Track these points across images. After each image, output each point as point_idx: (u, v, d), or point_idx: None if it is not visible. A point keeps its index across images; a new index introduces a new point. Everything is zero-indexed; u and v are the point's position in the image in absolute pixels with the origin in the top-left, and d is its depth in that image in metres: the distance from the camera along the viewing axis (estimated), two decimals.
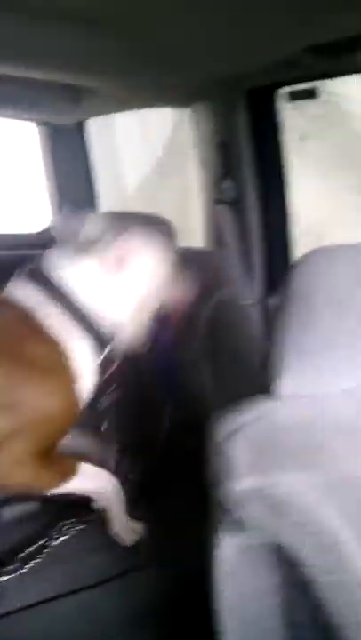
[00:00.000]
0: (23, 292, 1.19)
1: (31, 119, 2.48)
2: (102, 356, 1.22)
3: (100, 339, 1.21)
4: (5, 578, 1.11)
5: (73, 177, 2.63)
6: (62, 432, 1.17)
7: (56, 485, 1.16)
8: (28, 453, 1.09)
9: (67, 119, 2.41)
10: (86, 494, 1.23)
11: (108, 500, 1.24)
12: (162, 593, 1.10)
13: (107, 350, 1.23)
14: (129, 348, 1.31)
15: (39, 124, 2.51)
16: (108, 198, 2.81)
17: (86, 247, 1.22)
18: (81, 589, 1.10)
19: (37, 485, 1.15)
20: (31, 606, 1.06)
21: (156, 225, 1.90)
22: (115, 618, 1.04)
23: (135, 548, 1.21)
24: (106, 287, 1.21)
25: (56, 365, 1.14)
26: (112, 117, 2.89)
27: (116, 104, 2.10)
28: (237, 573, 0.84)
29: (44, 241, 2.64)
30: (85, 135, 2.58)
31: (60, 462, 1.18)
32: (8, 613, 1.04)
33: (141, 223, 1.88)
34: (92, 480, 1.22)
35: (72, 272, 1.22)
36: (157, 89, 1.91)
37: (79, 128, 2.55)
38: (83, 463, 1.22)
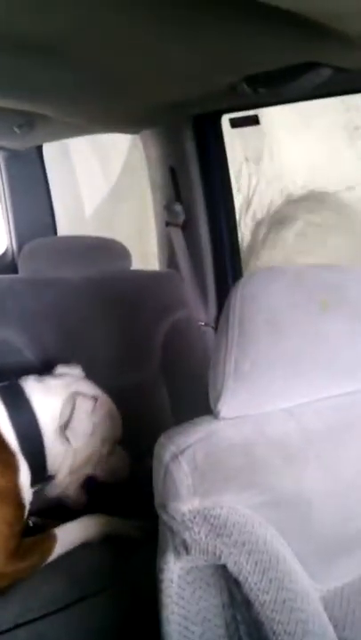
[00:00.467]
0: None
1: None
2: (37, 487, 1.27)
3: (40, 471, 1.26)
4: None
5: (30, 201, 2.64)
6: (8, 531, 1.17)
7: (37, 566, 1.19)
8: None
9: (21, 144, 2.42)
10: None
11: (102, 533, 1.30)
12: (115, 620, 1.10)
13: (43, 485, 1.29)
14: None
15: None
16: (66, 222, 2.82)
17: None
18: (36, 619, 1.09)
19: (16, 576, 1.16)
20: None
21: (110, 249, 1.92)
22: None
23: (89, 574, 1.21)
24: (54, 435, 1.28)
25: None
26: (67, 142, 2.91)
27: (68, 130, 2.13)
28: (182, 597, 0.85)
29: (1, 265, 2.65)
30: (42, 160, 2.60)
31: (31, 547, 1.20)
32: None
33: (97, 247, 1.92)
34: (76, 535, 1.27)
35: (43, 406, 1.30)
36: (107, 116, 1.94)
37: (36, 153, 2.57)
38: (59, 528, 1.26)
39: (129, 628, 1.09)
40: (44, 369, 1.63)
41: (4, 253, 2.75)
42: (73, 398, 1.30)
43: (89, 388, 1.40)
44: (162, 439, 0.90)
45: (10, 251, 2.75)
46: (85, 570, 1.23)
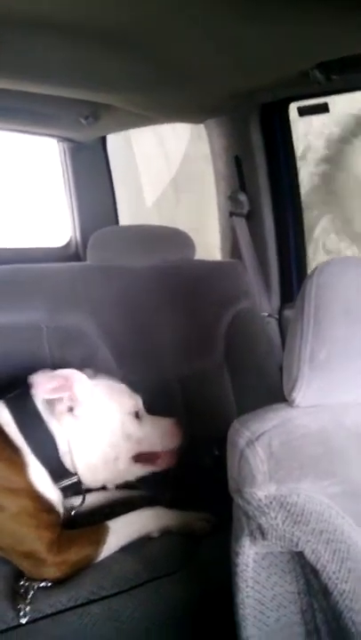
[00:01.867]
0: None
1: (52, 135, 2.54)
2: (64, 484, 1.27)
3: (57, 468, 1.26)
4: (41, 584, 1.14)
5: (94, 192, 2.69)
6: (41, 526, 1.20)
7: (89, 557, 1.22)
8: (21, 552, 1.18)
9: (86, 135, 2.46)
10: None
11: (160, 527, 1.31)
12: (187, 601, 1.12)
13: (67, 481, 1.27)
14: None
15: (60, 140, 2.58)
16: (127, 213, 2.86)
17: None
18: (109, 596, 1.13)
19: (67, 567, 1.19)
20: (60, 612, 1.09)
21: (175, 238, 1.94)
22: (140, 625, 1.06)
23: (159, 556, 1.24)
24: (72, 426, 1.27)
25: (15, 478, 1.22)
26: (130, 133, 2.94)
27: (133, 120, 2.15)
28: (258, 581, 0.86)
29: (65, 254, 2.71)
30: (106, 151, 2.64)
31: (79, 539, 1.23)
32: (38, 619, 1.07)
33: (162, 237, 1.94)
34: (132, 528, 1.29)
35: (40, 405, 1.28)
36: (173, 105, 1.95)
37: (99, 144, 2.61)
38: (114, 520, 1.28)
39: (199, 610, 1.10)
40: (114, 354, 1.67)
41: (68, 243, 2.81)
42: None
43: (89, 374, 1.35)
44: (236, 425, 0.90)
45: (73, 241, 2.80)
46: (155, 552, 1.25)
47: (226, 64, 1.52)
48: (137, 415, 1.36)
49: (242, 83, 1.68)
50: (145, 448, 1.36)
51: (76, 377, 1.26)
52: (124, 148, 2.96)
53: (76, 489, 1.29)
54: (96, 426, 1.29)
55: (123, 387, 1.39)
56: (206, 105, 1.91)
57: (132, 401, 1.36)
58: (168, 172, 2.94)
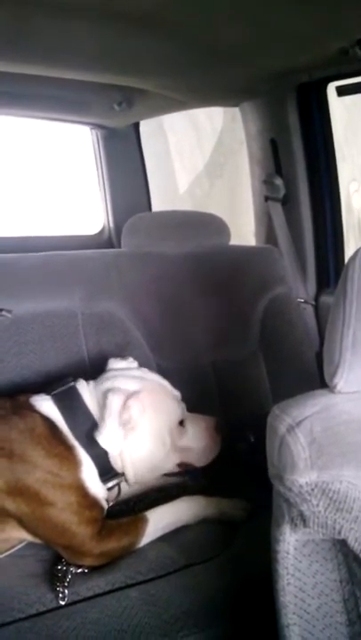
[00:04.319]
0: (47, 405, 1.28)
1: (85, 122, 2.54)
2: (112, 483, 1.27)
3: (106, 467, 1.26)
4: (79, 570, 1.16)
5: (127, 179, 2.68)
6: (84, 522, 1.21)
7: (128, 547, 1.23)
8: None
9: (119, 122, 2.45)
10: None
11: (198, 516, 1.31)
12: (224, 587, 1.11)
13: (115, 480, 1.27)
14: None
15: (93, 127, 2.57)
16: (160, 199, 2.84)
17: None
18: (146, 581, 1.13)
19: (107, 556, 1.22)
20: (98, 595, 1.09)
21: (210, 224, 1.92)
22: (178, 610, 1.05)
23: (195, 542, 1.23)
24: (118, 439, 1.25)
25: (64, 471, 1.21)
26: (162, 119, 2.92)
27: (167, 105, 2.13)
28: (299, 568, 0.85)
29: (99, 242, 2.72)
30: (139, 137, 2.63)
31: (119, 529, 1.24)
32: (77, 602, 1.08)
33: (197, 222, 1.92)
34: (170, 518, 1.29)
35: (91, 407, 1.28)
36: (207, 88, 1.93)
37: (132, 131, 2.59)
38: (152, 511, 1.29)
39: (237, 597, 1.10)
40: (148, 341, 1.66)
41: (101, 231, 2.81)
42: (102, 394, 1.27)
43: (127, 381, 1.32)
44: (276, 411, 0.88)
45: (106, 228, 2.81)
46: (191, 539, 1.25)
47: (261, 44, 1.49)
48: (182, 423, 1.35)
49: (278, 63, 1.64)
50: (190, 460, 1.37)
51: (134, 405, 1.25)
52: (156, 134, 2.94)
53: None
54: (146, 436, 1.29)
55: (167, 389, 1.37)
56: (241, 87, 1.88)
57: (178, 409, 1.35)
58: (202, 157, 2.91)
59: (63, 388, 1.31)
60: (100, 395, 1.28)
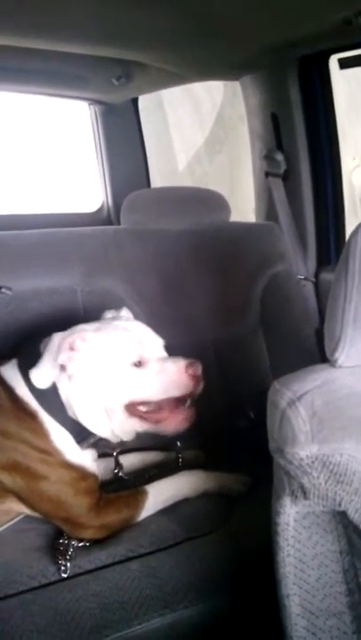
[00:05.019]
0: (11, 370, 1.24)
1: (83, 98, 2.51)
2: (87, 443, 1.23)
3: (75, 428, 1.21)
4: (80, 544, 1.17)
5: (125, 156, 2.65)
6: (80, 493, 1.20)
7: (128, 520, 1.23)
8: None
9: (118, 97, 2.42)
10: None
11: (198, 490, 1.30)
12: (224, 560, 1.13)
13: (90, 438, 1.23)
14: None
15: (91, 102, 2.54)
16: (159, 176, 2.82)
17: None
18: (147, 554, 1.14)
19: (105, 528, 1.21)
20: (100, 568, 1.11)
21: (210, 200, 1.90)
22: (179, 582, 1.07)
23: (195, 516, 1.25)
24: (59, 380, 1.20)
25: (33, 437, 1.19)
26: (161, 94, 2.88)
27: (166, 79, 2.09)
28: (299, 540, 0.85)
29: (98, 219, 2.70)
30: (137, 113, 2.59)
31: (117, 502, 1.24)
32: (79, 574, 1.09)
33: (197, 199, 1.90)
34: (170, 492, 1.28)
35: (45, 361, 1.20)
36: (207, 61, 1.89)
37: (131, 106, 2.56)
38: (152, 484, 1.28)
39: (237, 569, 1.11)
40: (148, 317, 1.66)
41: (100, 208, 2.79)
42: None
43: (88, 326, 1.25)
44: (277, 385, 0.88)
45: (105, 206, 2.78)
46: (191, 512, 1.26)
47: (262, 15, 1.46)
48: (139, 364, 1.23)
49: (279, 35, 1.61)
50: (142, 396, 1.23)
51: (68, 344, 1.19)
52: (155, 110, 2.91)
53: (100, 447, 1.27)
54: (85, 377, 1.20)
55: (137, 330, 1.28)
56: (242, 60, 1.85)
57: (133, 349, 1.23)
58: (201, 133, 2.88)
59: (30, 347, 1.26)
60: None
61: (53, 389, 1.19)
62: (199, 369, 1.25)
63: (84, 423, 1.22)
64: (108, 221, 2.73)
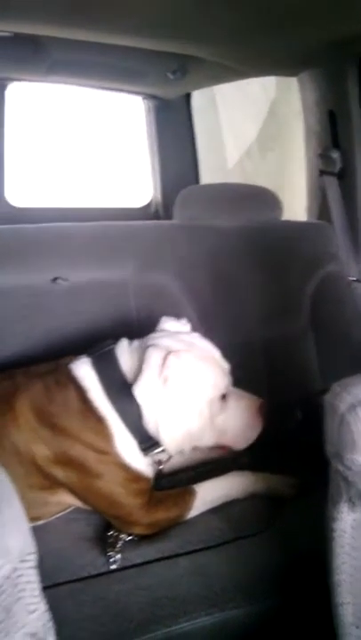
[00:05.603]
0: (84, 370, 1.23)
1: (138, 92, 2.51)
2: (152, 454, 1.23)
3: (142, 435, 1.21)
4: (129, 537, 1.18)
5: (176, 152, 2.65)
6: (131, 494, 1.21)
7: (176, 518, 1.24)
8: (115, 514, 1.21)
9: (173, 92, 2.42)
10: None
11: (247, 492, 1.30)
12: (272, 562, 1.12)
13: (155, 451, 1.22)
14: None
15: (145, 97, 2.54)
16: (209, 172, 2.80)
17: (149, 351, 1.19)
18: (195, 551, 1.15)
19: (155, 526, 1.22)
20: (148, 562, 1.12)
21: (263, 198, 1.88)
22: (227, 581, 1.06)
23: (243, 516, 1.24)
24: (154, 395, 1.18)
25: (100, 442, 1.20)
26: (214, 90, 2.86)
27: (222, 74, 2.07)
28: (355, 547, 0.84)
29: (146, 215, 2.71)
30: (190, 109, 2.58)
31: (166, 501, 1.25)
32: (127, 567, 1.11)
33: (250, 196, 1.88)
34: (218, 492, 1.28)
35: (129, 368, 1.22)
36: (265, 56, 1.87)
37: (184, 101, 2.55)
38: (201, 484, 1.28)
39: (286, 572, 1.10)
40: (198, 314, 1.66)
41: (149, 204, 2.80)
42: (143, 352, 1.19)
43: (173, 341, 1.24)
44: (336, 388, 0.87)
45: (154, 201, 2.79)
46: (240, 512, 1.26)
47: (322, 10, 1.43)
48: (225, 397, 1.26)
49: (339, 30, 1.57)
50: (227, 441, 1.28)
51: (174, 363, 1.17)
52: (207, 105, 2.89)
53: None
54: (183, 401, 1.20)
55: (215, 357, 1.28)
56: (300, 55, 1.82)
57: (222, 381, 1.25)
58: (253, 129, 2.85)
59: (103, 350, 1.26)
60: (139, 352, 1.22)
61: (132, 398, 1.18)
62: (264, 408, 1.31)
63: (164, 440, 1.21)
64: (156, 217, 2.73)
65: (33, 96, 2.93)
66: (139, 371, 1.17)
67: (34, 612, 0.52)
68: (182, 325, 1.35)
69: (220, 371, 1.26)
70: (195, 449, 1.30)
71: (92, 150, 3.47)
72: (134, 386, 1.15)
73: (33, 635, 0.52)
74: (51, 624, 0.55)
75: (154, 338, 1.26)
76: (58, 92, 2.79)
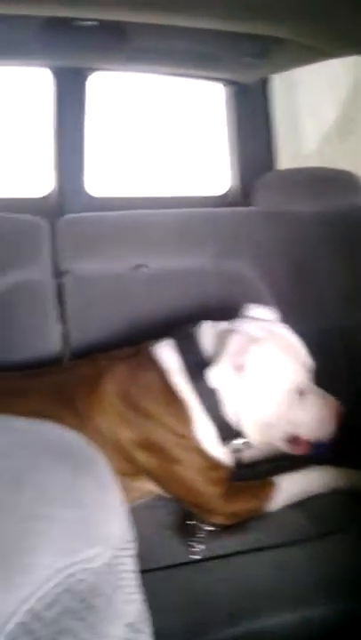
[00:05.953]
0: (166, 352, 1.23)
1: (215, 78, 2.47)
2: (234, 445, 1.21)
3: (221, 423, 1.19)
4: (209, 528, 1.16)
5: (253, 138, 2.59)
6: (210, 482, 1.20)
7: (255, 510, 1.21)
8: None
9: (251, 76, 2.36)
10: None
11: (328, 487, 1.26)
12: (357, 561, 1.07)
13: (237, 442, 1.21)
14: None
15: (222, 82, 2.49)
16: (286, 156, 2.72)
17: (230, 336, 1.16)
18: (277, 546, 1.12)
19: (233, 516, 1.20)
20: (230, 555, 1.10)
21: (344, 182, 1.81)
22: (309, 579, 1.03)
23: (325, 513, 1.20)
24: (229, 382, 1.16)
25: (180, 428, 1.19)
26: (292, 73, 2.77)
27: (304, 55, 1.99)
28: None
29: (223, 203, 2.67)
30: (268, 93, 2.52)
31: (246, 492, 1.22)
32: (210, 558, 1.09)
33: (331, 180, 1.82)
34: (299, 486, 1.25)
35: (212, 351, 1.20)
36: (353, 35, 1.78)
37: (262, 86, 2.49)
38: (282, 477, 1.25)
39: None
40: (276, 302, 1.61)
41: (227, 191, 2.75)
42: (225, 336, 1.16)
43: (258, 329, 1.20)
44: None
45: (232, 189, 2.74)
46: (321, 508, 1.22)
47: None
48: (301, 392, 1.21)
49: None
50: (300, 433, 1.24)
51: (253, 351, 1.15)
52: (286, 88, 2.81)
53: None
54: (261, 390, 1.18)
55: (299, 352, 1.23)
56: None
57: (301, 375, 1.21)
58: (333, 112, 2.75)
59: (187, 331, 1.25)
60: (222, 336, 1.19)
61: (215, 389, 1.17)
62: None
63: (246, 431, 1.20)
64: (234, 205, 2.68)
65: (111, 86, 2.95)
66: (216, 352, 1.16)
67: (133, 603, 0.51)
68: (269, 314, 1.32)
69: (300, 364, 1.22)
70: (270, 444, 1.27)
71: (169, 139, 3.46)
72: (208, 369, 1.13)
73: (130, 625, 0.51)
74: (146, 615, 0.53)
75: (237, 323, 1.23)
76: (135, 82, 2.79)
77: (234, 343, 1.14)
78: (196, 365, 1.19)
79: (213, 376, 1.13)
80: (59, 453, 0.51)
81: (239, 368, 1.14)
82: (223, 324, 1.24)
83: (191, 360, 1.20)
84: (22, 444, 0.51)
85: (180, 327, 1.28)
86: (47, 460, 0.50)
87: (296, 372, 1.20)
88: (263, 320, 1.28)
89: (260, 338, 1.17)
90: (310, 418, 1.22)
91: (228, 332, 1.18)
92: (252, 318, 1.28)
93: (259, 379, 1.17)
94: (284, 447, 1.26)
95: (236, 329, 1.19)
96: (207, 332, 1.23)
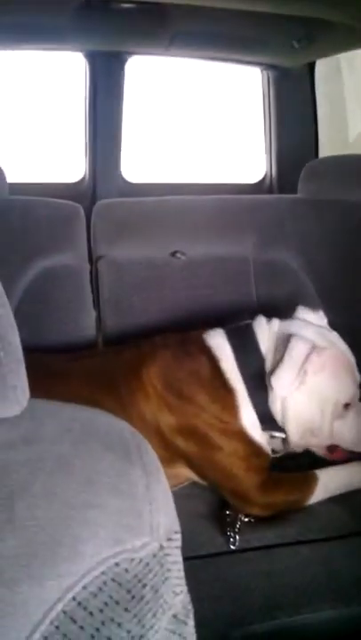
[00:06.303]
0: (218, 341, 1.24)
1: (258, 63, 2.41)
2: (273, 434, 1.22)
3: (265, 416, 1.20)
4: (246, 519, 1.15)
5: (295, 125, 2.53)
6: (251, 469, 1.19)
7: (296, 502, 1.20)
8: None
9: (296, 60, 2.29)
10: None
11: None
12: None
13: (276, 433, 1.21)
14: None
15: (265, 68, 2.44)
16: (329, 144, 2.66)
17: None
18: (318, 540, 1.10)
19: (271, 507, 1.19)
20: (269, 547, 1.08)
21: None
22: (351, 575, 1.01)
23: None
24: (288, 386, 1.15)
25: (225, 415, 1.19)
26: (340, 57, 2.69)
27: (352, 40, 1.93)
28: None
29: (259, 191, 2.62)
30: (313, 79, 2.45)
31: (286, 483, 1.22)
32: (247, 549, 1.08)
33: None
34: (341, 480, 1.23)
35: (266, 348, 1.22)
36: None
37: (307, 71, 2.42)
38: (323, 470, 1.23)
39: None
40: (319, 293, 1.58)
41: (263, 179, 2.71)
42: (287, 341, 1.16)
43: (316, 335, 1.20)
44: None
45: (268, 176, 2.69)
46: None
47: None
48: (347, 406, 1.22)
49: None
50: (338, 443, 1.25)
51: (315, 360, 1.15)
52: (331, 74, 2.73)
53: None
54: (311, 398, 1.18)
55: (351, 364, 1.23)
56: None
57: (350, 390, 1.21)
58: None
59: (240, 324, 1.26)
60: (280, 337, 1.20)
61: (263, 379, 1.18)
62: None
63: (288, 430, 1.20)
64: (270, 192, 2.64)
65: (147, 71, 2.92)
66: (278, 356, 1.17)
67: (180, 594, 0.50)
68: (319, 318, 1.30)
69: (352, 379, 1.23)
70: (307, 446, 1.27)
71: (204, 126, 3.41)
72: (272, 374, 1.14)
73: (175, 616, 0.50)
74: (191, 606, 0.52)
75: (296, 326, 1.22)
76: (173, 67, 2.75)
77: (299, 350, 1.14)
78: (249, 357, 1.21)
79: (275, 380, 1.14)
80: (106, 441, 0.50)
81: (303, 375, 1.14)
82: (277, 323, 1.25)
83: (244, 351, 1.22)
84: (70, 431, 0.50)
85: (229, 318, 1.28)
86: (95, 448, 0.49)
87: (348, 387, 1.21)
88: (318, 326, 1.27)
89: (322, 347, 1.17)
90: (354, 431, 1.23)
91: (291, 335, 1.18)
92: (310, 323, 1.26)
93: (313, 387, 1.17)
94: (321, 452, 1.27)
95: (297, 333, 1.18)
96: (262, 328, 1.24)
